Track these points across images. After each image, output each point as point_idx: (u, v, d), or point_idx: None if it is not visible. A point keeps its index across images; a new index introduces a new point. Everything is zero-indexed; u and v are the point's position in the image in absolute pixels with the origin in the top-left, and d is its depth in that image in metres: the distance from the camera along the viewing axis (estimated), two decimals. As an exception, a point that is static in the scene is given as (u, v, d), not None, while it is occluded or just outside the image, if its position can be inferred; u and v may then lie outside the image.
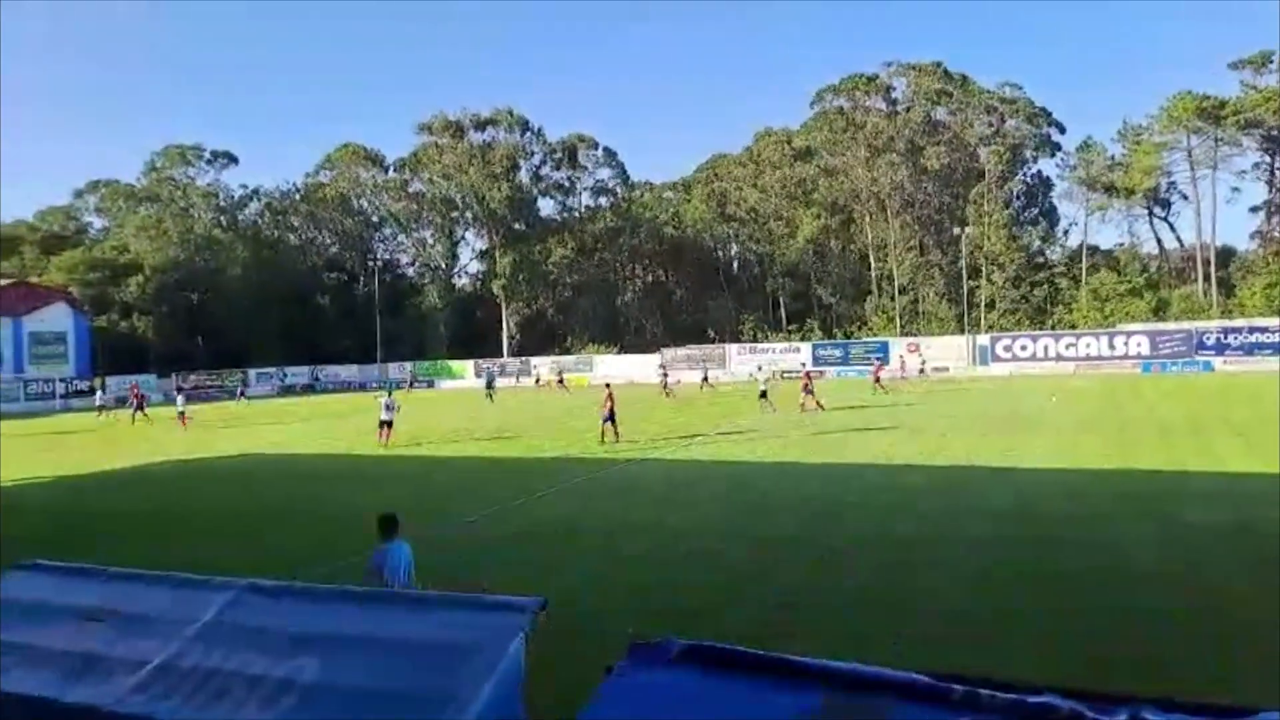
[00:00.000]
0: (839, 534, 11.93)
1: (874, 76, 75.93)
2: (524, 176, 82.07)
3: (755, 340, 69.92)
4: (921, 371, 49.05)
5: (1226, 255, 69.72)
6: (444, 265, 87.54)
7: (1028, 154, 75.26)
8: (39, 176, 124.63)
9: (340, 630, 3.46)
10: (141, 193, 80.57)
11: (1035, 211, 77.25)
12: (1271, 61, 64.34)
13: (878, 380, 40.42)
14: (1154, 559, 10.00)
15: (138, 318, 72.70)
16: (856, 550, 10.95)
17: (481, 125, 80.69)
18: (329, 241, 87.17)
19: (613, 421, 23.36)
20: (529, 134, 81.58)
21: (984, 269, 69.75)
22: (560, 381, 53.99)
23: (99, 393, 50.19)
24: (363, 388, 70.10)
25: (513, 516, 14.02)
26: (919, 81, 74.93)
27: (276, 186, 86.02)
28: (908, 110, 75.36)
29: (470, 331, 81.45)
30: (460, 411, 39.13)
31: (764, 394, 32.37)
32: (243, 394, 58.26)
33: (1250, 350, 49.36)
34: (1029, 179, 76.82)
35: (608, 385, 24.98)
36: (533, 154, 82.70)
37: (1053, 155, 75.59)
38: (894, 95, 76.82)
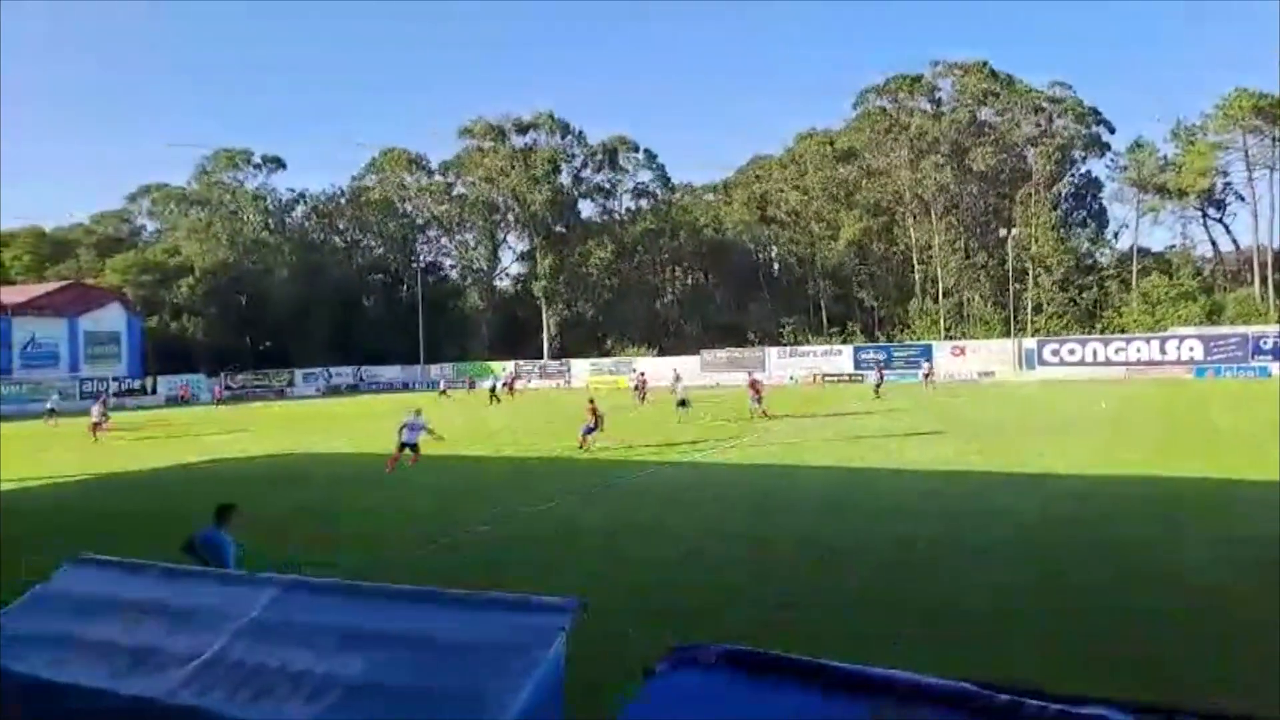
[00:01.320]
0: (857, 535, 11.79)
1: (919, 77, 75.00)
2: (565, 179, 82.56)
3: (796, 343, 69.45)
4: (928, 377, 46.98)
5: (1285, 258, 67.49)
6: (486, 267, 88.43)
7: (1076, 154, 73.73)
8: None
9: (384, 628, 3.51)
10: (192, 196, 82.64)
11: (1084, 213, 75.68)
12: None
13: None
14: (1207, 573, 9.70)
15: (188, 318, 74.61)
16: (863, 552, 10.82)
17: (523, 129, 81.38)
18: (373, 244, 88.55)
19: (593, 432, 22.68)
20: (569, 137, 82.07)
21: (1031, 271, 68.47)
22: (509, 387, 53.26)
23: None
24: (406, 388, 71.12)
25: (521, 521, 14.06)
26: (964, 81, 73.83)
27: (323, 190, 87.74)
28: (953, 111, 74.24)
29: (511, 333, 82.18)
30: (487, 414, 39.39)
31: (683, 403, 30.85)
32: (220, 395, 58.11)
33: (1308, 356, 47.83)
34: (1078, 180, 75.28)
35: (591, 400, 24.02)
36: (573, 157, 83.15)
37: (1102, 156, 74.09)
38: (939, 96, 75.80)
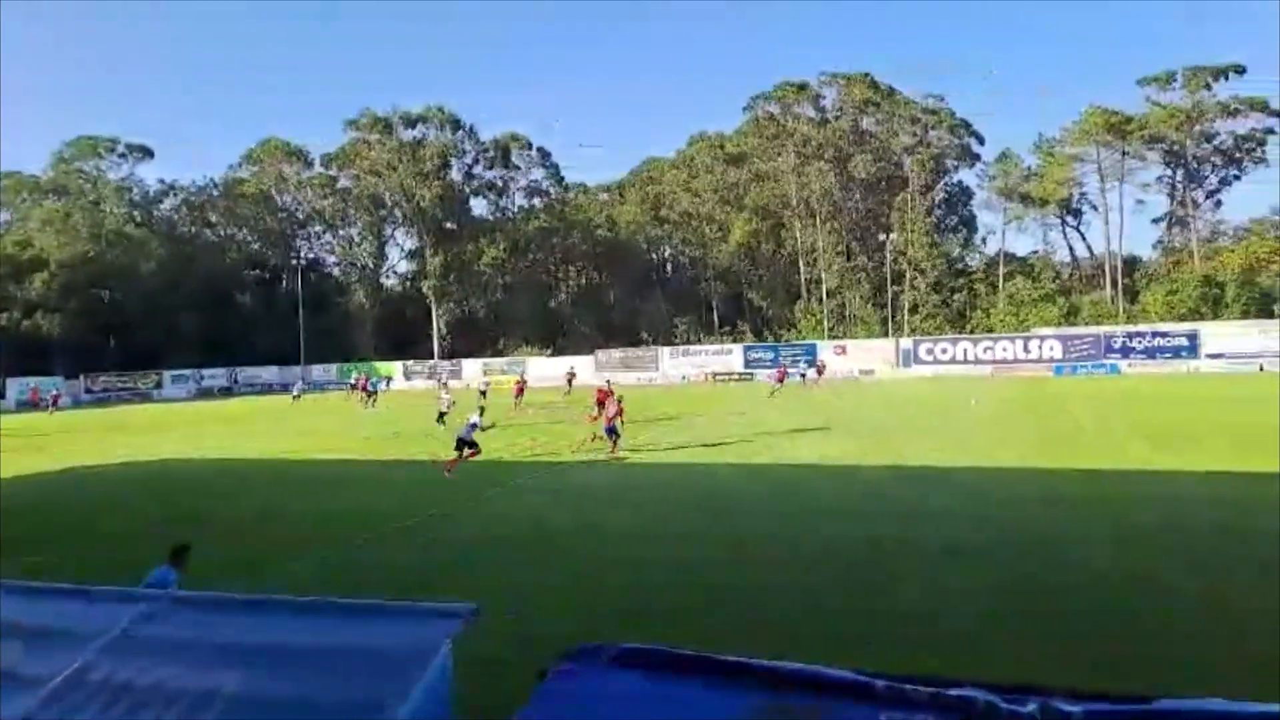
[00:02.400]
0: (752, 530, 12.13)
1: (805, 85, 77.35)
2: (455, 175, 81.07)
3: (689, 343, 70.50)
4: (803, 377, 48.80)
5: (1132, 264, 73.14)
6: (372, 264, 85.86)
7: (949, 164, 77.70)
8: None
9: (264, 640, 3.39)
10: (47, 184, 76.69)
11: (956, 219, 79.81)
12: (1175, 80, 67.87)
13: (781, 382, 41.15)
14: (1106, 558, 10.41)
15: (42, 316, 69.20)
16: (768, 547, 11.16)
17: (411, 122, 79.39)
18: (250, 239, 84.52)
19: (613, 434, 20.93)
20: (460, 132, 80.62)
21: (907, 274, 71.77)
22: (365, 389, 46.76)
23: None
24: (285, 390, 68.30)
25: (438, 524, 13.82)
26: (848, 91, 76.64)
27: (193, 181, 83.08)
28: (837, 119, 77.05)
29: (399, 332, 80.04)
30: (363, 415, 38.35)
31: (482, 393, 36.81)
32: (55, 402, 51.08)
33: (1152, 354, 51.99)
34: (950, 188, 79.29)
35: (614, 392, 23.34)
36: (464, 153, 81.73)
37: (972, 165, 78.37)
38: (823, 104, 78.44)
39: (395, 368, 68.86)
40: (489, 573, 10.41)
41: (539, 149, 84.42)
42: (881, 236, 69.66)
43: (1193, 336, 52.15)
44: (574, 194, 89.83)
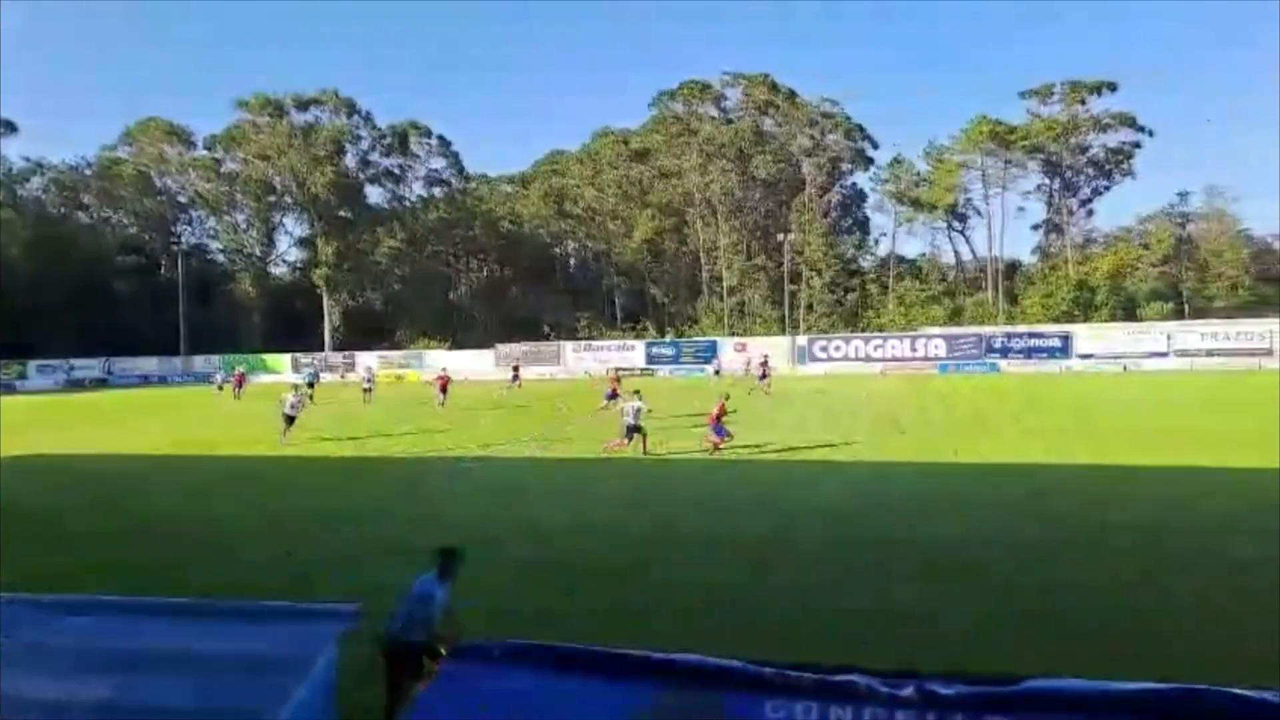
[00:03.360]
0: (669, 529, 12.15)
1: (709, 85, 78.43)
2: (350, 162, 78.59)
3: (591, 337, 70.50)
4: (747, 371, 49.71)
5: (1012, 267, 77.31)
6: (259, 252, 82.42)
7: (845, 167, 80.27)
8: None
9: (143, 644, 3.25)
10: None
11: (851, 221, 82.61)
12: (1053, 93, 72.00)
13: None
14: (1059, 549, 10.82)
15: (-110, 299, 63.42)
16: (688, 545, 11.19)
17: (304, 105, 76.47)
18: (127, 222, 79.76)
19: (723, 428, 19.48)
20: (356, 117, 78.18)
21: (804, 274, 73.78)
22: (237, 383, 44.11)
23: None
24: (164, 381, 64.80)
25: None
26: (750, 92, 78.15)
27: (63, 160, 77.76)
28: (739, 119, 78.49)
29: (289, 323, 76.95)
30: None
31: (312, 385, 36.43)
32: None
33: (1029, 354, 55.01)
34: (846, 191, 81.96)
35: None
36: (360, 139, 79.30)
37: (867, 169, 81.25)
38: (726, 104, 79.73)
39: (284, 360, 66.19)
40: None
41: (439, 137, 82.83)
42: (780, 236, 71.38)
43: (1066, 338, 55.44)
44: (476, 185, 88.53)
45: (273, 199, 79.54)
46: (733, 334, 68.03)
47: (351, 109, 77.54)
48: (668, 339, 67.86)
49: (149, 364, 67.50)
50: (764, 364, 41.07)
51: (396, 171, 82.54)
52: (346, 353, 68.28)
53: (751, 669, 2.08)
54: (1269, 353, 51.02)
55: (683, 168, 77.71)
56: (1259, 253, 71.91)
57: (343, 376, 61.34)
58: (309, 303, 78.35)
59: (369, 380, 39.17)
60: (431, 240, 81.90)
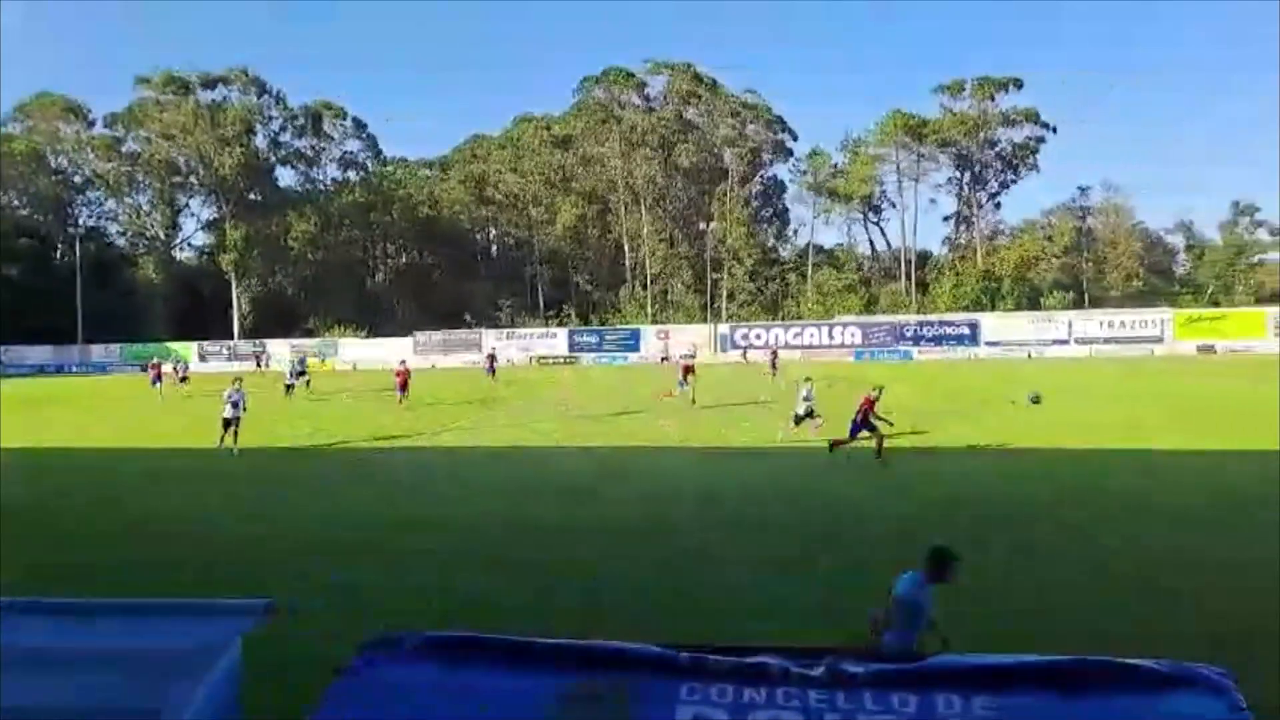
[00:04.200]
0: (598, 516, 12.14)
1: (632, 73, 78.34)
2: (260, 143, 75.79)
3: (513, 325, 69.82)
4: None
5: (924, 258, 79.78)
6: (163, 235, 78.72)
7: (765, 158, 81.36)
8: None
9: (29, 644, 3.01)
10: None
11: (771, 211, 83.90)
12: (965, 89, 74.40)
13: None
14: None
15: None
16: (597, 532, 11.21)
17: (210, 83, 73.30)
18: (18, 203, 75.08)
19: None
20: (266, 96, 75.36)
21: (726, 263, 74.61)
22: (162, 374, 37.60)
23: None
24: (60, 371, 61.52)
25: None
26: (673, 81, 78.38)
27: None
28: (662, 108, 78.67)
29: (194, 310, 73.74)
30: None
31: (304, 374, 34.12)
32: None
33: (939, 341, 57.00)
34: (766, 181, 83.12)
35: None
36: (271, 119, 76.53)
37: (786, 160, 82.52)
38: (649, 92, 79.78)
39: (189, 348, 63.47)
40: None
41: (354, 119, 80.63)
42: (703, 225, 71.99)
43: (974, 326, 57.62)
44: (393, 168, 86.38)
45: (178, 180, 76.04)
46: (656, 322, 68.35)
47: (262, 88, 74.72)
48: (591, 327, 67.82)
49: (42, 352, 63.95)
50: (773, 355, 41.18)
51: (309, 153, 79.99)
52: (256, 341, 65.89)
53: (667, 653, 2.10)
54: (1160, 340, 54.10)
55: (606, 155, 77.51)
56: (1151, 245, 76.00)
57: (262, 366, 57.84)
58: (216, 289, 75.27)
59: (300, 373, 34.45)
60: (347, 225, 79.66)
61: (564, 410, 26.68)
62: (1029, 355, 53.78)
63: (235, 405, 18.77)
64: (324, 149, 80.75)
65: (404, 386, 28.74)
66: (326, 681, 2.29)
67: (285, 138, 78.18)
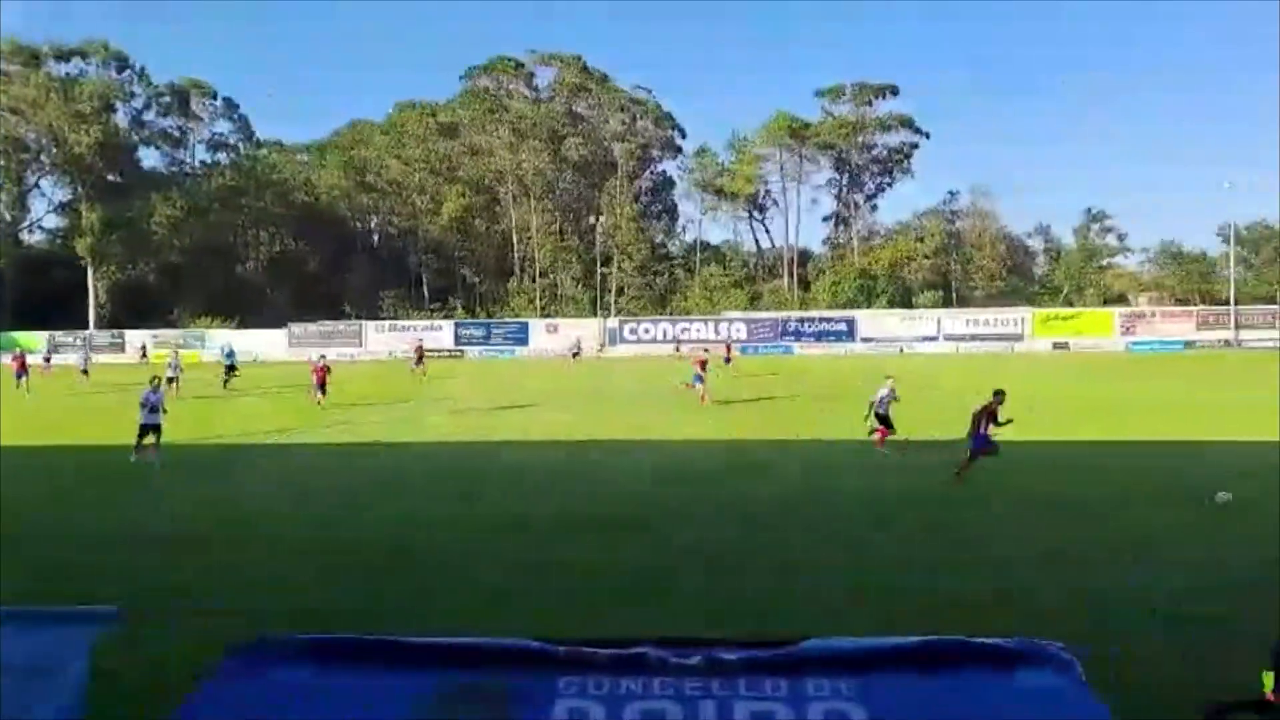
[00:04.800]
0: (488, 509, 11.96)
1: (520, 63, 77.36)
2: (121, 120, 70.77)
3: (396, 317, 67.85)
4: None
5: (805, 256, 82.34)
6: (9, 218, 72.32)
7: (655, 154, 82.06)
8: None
9: None
10: None
11: (659, 207, 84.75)
12: (844, 94, 77.18)
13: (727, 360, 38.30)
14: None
15: None
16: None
17: (65, 56, 67.87)
18: None
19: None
20: (128, 72, 70.44)
21: (615, 257, 74.90)
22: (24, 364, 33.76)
23: None
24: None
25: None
26: (562, 74, 77.92)
27: None
28: (550, 100, 78.09)
29: (45, 298, 68.07)
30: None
31: (233, 369, 32.45)
32: None
33: (819, 337, 59.09)
34: (655, 177, 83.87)
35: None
36: (133, 95, 71.59)
37: (675, 157, 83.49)
38: (537, 83, 79.07)
39: (37, 339, 58.65)
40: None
41: (225, 99, 76.53)
42: (592, 219, 71.96)
43: (851, 323, 59.98)
44: (267, 152, 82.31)
45: (25, 158, 70.04)
46: (544, 315, 67.94)
47: (123, 63, 69.74)
48: (478, 319, 66.72)
49: None
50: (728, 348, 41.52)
51: (175, 133, 75.41)
52: (115, 331, 61.62)
53: (542, 648, 2.07)
54: (1020, 338, 57.75)
55: (493, 145, 76.34)
56: (1013, 248, 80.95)
57: (145, 355, 53.31)
58: (70, 276, 69.82)
59: (174, 367, 29.39)
60: (216, 210, 75.33)
61: (453, 404, 26.23)
62: (900, 351, 56.37)
63: (154, 410, 15.83)
64: (191, 129, 76.31)
65: (323, 385, 25.70)
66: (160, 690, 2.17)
67: (149, 116, 73.46)
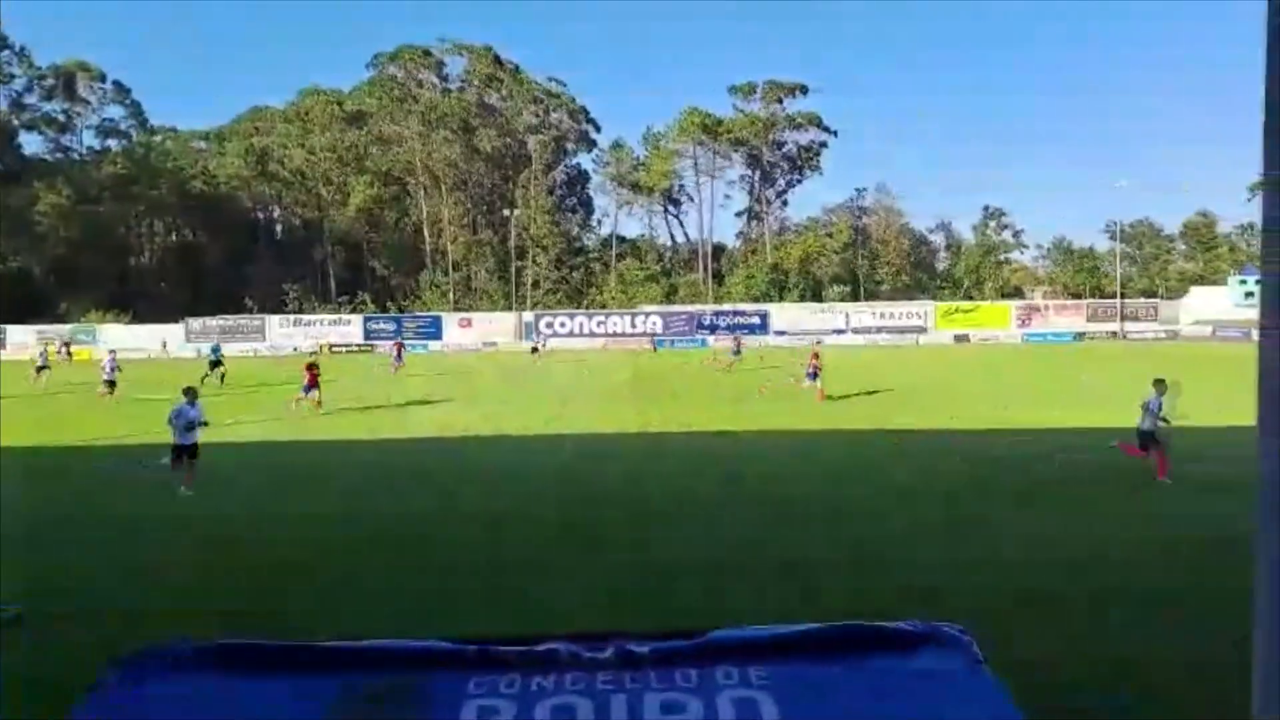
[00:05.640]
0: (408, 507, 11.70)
1: (428, 51, 75.77)
2: (0, 104, 66.34)
3: (301, 311, 65.65)
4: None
5: (719, 250, 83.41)
6: None
7: (569, 147, 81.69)
8: None
9: None
10: None
11: (575, 200, 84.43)
12: (756, 92, 78.35)
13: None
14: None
15: None
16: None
17: (-69, 30, 63.20)
18: None
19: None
20: (7, 52, 65.99)
21: (530, 251, 74.28)
22: None
23: None
24: None
25: None
26: (473, 63, 76.68)
27: None
28: (461, 90, 76.78)
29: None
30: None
31: (218, 365, 30.38)
32: None
33: (734, 330, 59.87)
34: (570, 170, 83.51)
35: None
36: (13, 77, 67.16)
37: (590, 151, 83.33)
38: (447, 73, 77.65)
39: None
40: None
41: (115, 82, 72.44)
42: (506, 212, 71.20)
43: (764, 316, 61.06)
44: (161, 138, 78.40)
45: (-115, 139, 65.08)
46: (458, 309, 66.88)
47: (2, 42, 65.26)
48: (388, 314, 65.17)
49: None
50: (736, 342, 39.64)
51: (61, 118, 71.02)
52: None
53: (451, 648, 2.06)
54: (924, 330, 59.85)
55: (403, 135, 74.61)
56: (916, 244, 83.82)
57: (69, 354, 48.92)
58: (-61, 267, 65.18)
59: (111, 368, 26.45)
60: (106, 199, 71.35)
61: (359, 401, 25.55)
62: (819, 343, 57.71)
63: (192, 427, 12.68)
64: (79, 114, 72.03)
65: (314, 384, 22.31)
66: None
67: (31, 99, 69.03)
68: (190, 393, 13.07)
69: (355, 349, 57.15)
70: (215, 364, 30.90)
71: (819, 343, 28.94)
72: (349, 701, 1.96)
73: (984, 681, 1.84)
